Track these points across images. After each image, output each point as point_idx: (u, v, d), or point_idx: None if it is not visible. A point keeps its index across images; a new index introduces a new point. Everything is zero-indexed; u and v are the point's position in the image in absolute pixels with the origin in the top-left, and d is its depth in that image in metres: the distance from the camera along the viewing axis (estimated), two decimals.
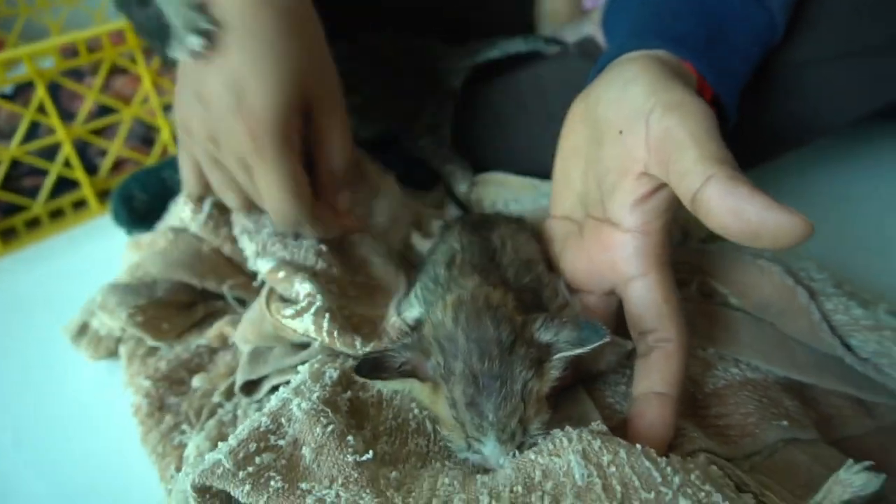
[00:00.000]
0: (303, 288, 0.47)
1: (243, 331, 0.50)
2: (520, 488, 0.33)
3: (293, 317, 0.44)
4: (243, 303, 0.58)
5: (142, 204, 0.70)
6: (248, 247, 0.55)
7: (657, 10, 0.51)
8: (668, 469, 0.34)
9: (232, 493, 0.33)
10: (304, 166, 0.53)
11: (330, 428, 0.35)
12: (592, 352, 0.44)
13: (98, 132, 0.92)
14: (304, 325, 0.44)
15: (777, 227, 0.33)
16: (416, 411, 0.41)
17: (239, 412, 0.49)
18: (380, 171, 0.66)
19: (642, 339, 0.43)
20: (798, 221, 0.33)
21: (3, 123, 0.89)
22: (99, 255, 0.82)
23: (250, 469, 0.33)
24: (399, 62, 0.75)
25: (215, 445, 0.38)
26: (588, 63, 0.68)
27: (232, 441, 0.35)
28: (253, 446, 0.34)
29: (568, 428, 0.36)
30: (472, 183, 0.73)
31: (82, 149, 0.91)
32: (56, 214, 0.90)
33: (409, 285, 0.54)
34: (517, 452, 0.37)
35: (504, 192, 0.72)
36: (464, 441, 0.38)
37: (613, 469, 0.34)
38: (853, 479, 0.34)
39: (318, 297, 0.45)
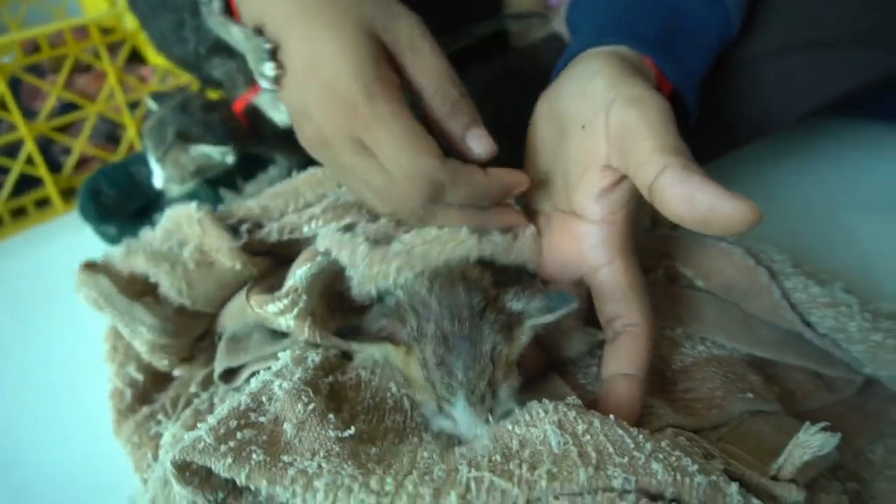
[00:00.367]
0: (292, 279, 0.46)
1: (224, 320, 0.50)
2: (498, 457, 0.34)
3: (276, 314, 0.44)
4: None
5: (110, 199, 0.69)
6: None
7: (618, 7, 0.53)
8: (640, 437, 0.35)
9: (213, 468, 0.33)
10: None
11: (311, 406, 0.36)
12: (562, 337, 0.45)
13: (61, 130, 0.90)
14: (286, 323, 0.44)
15: (727, 213, 0.35)
16: (393, 390, 0.42)
17: (216, 400, 0.49)
18: None
19: (610, 325, 0.44)
20: (747, 208, 0.35)
21: None
22: (63, 255, 0.81)
23: (231, 443, 0.33)
24: None
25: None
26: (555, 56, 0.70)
27: (212, 420, 0.35)
28: (234, 423, 0.35)
29: (544, 400, 0.37)
30: None
31: (45, 146, 0.89)
32: (18, 213, 0.88)
33: None
34: (491, 420, 0.37)
35: None
36: (435, 403, 0.38)
37: (588, 437, 0.35)
38: (812, 440, 0.36)
39: (303, 296, 0.44)
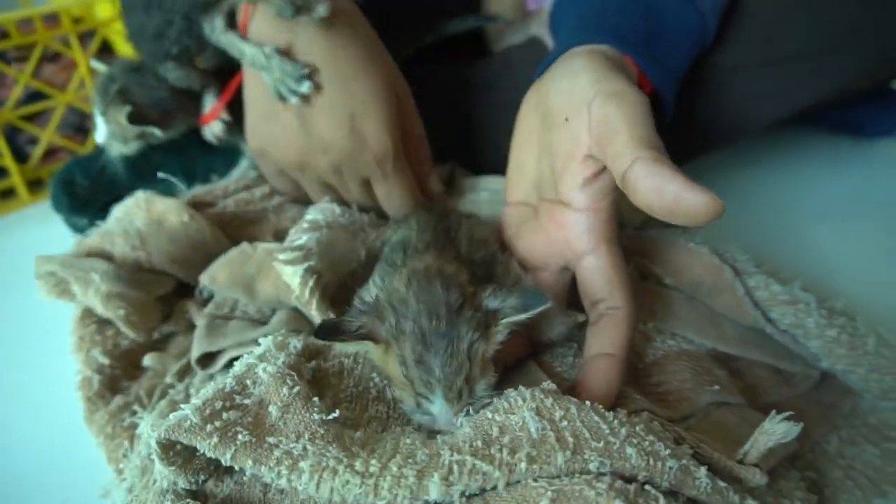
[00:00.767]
0: (303, 238, 0.48)
1: (213, 270, 0.51)
2: (479, 443, 0.35)
3: (286, 262, 0.44)
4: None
5: (83, 190, 0.68)
6: None
7: (601, 8, 0.55)
8: (615, 422, 0.36)
9: (198, 447, 0.33)
10: None
11: (296, 389, 0.36)
12: (543, 321, 0.47)
13: (26, 119, 0.88)
14: (292, 275, 0.44)
15: (692, 204, 0.37)
16: (376, 380, 0.42)
17: (192, 391, 0.48)
18: None
19: (594, 308, 0.46)
20: (711, 200, 0.37)
21: None
22: (28, 246, 0.79)
23: (217, 423, 0.33)
24: None
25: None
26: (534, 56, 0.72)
27: (197, 400, 0.35)
28: (219, 404, 0.35)
29: (521, 387, 0.38)
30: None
31: (10, 135, 0.87)
32: None
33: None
34: (471, 411, 0.38)
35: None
36: (413, 399, 0.39)
37: (565, 423, 0.36)
38: (776, 428, 0.38)
39: (315, 256, 0.46)
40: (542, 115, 0.49)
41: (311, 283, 0.45)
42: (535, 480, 0.33)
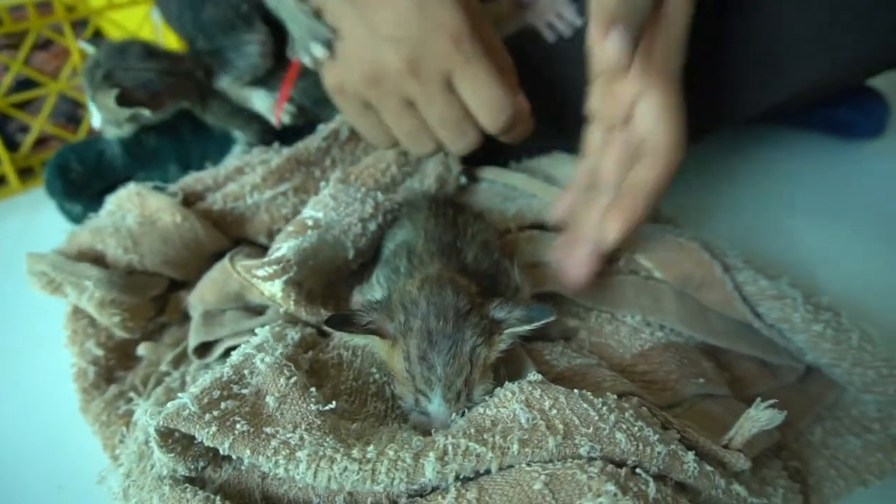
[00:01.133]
0: (283, 247, 0.48)
1: (201, 291, 0.50)
2: (472, 430, 0.36)
3: (264, 278, 0.44)
4: None
5: (78, 176, 0.67)
6: None
7: None
8: (604, 409, 0.37)
9: (196, 436, 0.33)
10: None
11: (293, 380, 0.37)
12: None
13: (17, 107, 0.87)
14: (271, 290, 0.45)
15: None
16: (376, 376, 0.43)
17: (188, 379, 0.49)
18: None
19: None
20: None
21: None
22: (18, 234, 0.79)
23: (215, 413, 0.34)
24: None
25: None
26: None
27: (194, 389, 0.35)
28: (217, 393, 0.35)
29: (508, 384, 0.39)
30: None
31: (1, 124, 0.86)
32: None
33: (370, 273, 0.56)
34: (466, 411, 0.39)
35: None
36: (412, 396, 0.40)
37: (555, 412, 0.37)
38: (761, 415, 0.39)
39: (293, 268, 0.45)
40: None
41: (293, 295, 0.45)
42: (529, 465, 0.34)
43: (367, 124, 0.61)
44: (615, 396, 0.38)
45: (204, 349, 0.50)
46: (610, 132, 0.53)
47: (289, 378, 0.37)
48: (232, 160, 0.69)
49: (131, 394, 0.49)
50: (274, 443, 0.33)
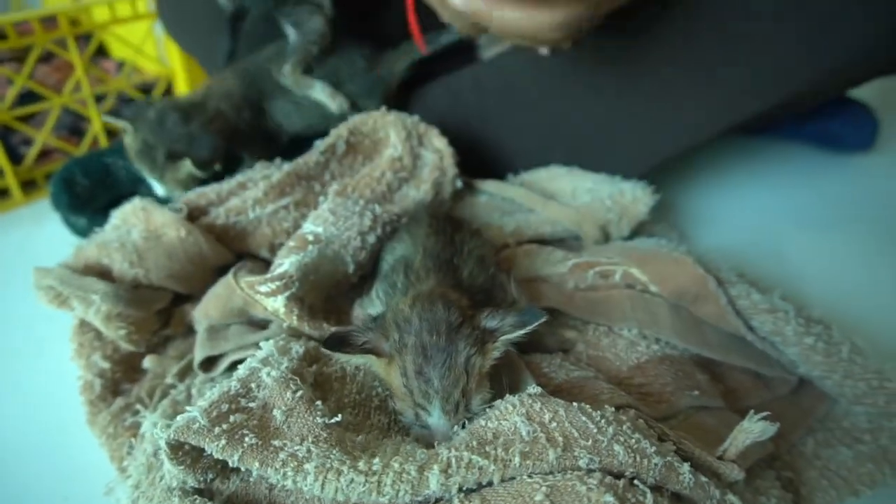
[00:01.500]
0: (285, 263, 0.49)
1: (205, 306, 0.51)
2: (475, 443, 0.37)
3: (267, 294, 0.45)
4: None
5: (83, 189, 0.68)
6: None
7: None
8: (602, 421, 0.38)
9: (206, 449, 0.34)
10: None
11: (299, 393, 0.38)
12: (538, 337, 0.49)
13: (20, 120, 0.88)
14: (275, 306, 0.46)
15: None
16: (379, 389, 0.44)
17: (193, 391, 0.49)
18: None
19: None
20: None
21: None
22: (21, 246, 0.80)
23: (224, 426, 0.35)
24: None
25: (168, 427, 0.39)
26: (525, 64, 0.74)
27: (203, 402, 0.36)
28: (225, 407, 0.36)
29: (508, 396, 0.40)
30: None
31: (4, 136, 0.87)
32: None
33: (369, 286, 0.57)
34: (466, 424, 0.40)
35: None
36: (412, 410, 0.41)
37: (555, 424, 0.38)
38: (754, 427, 0.40)
39: (295, 284, 0.46)
40: None
41: (295, 310, 0.47)
42: (530, 477, 0.35)
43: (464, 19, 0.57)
44: (613, 409, 0.40)
45: (209, 363, 0.51)
46: None
47: (295, 392, 0.38)
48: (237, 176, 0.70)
49: (138, 406, 0.50)
50: (282, 455, 0.34)
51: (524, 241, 0.63)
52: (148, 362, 0.53)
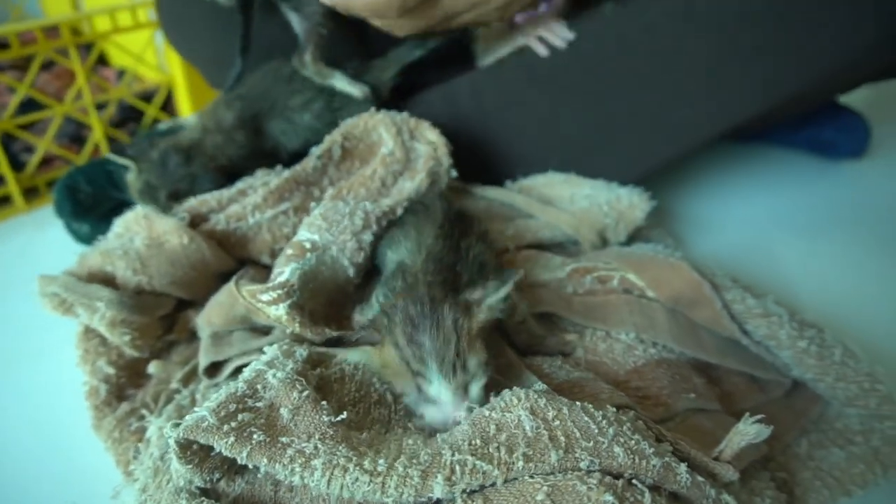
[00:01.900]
0: (286, 271, 0.50)
1: (208, 314, 0.52)
2: (478, 441, 0.38)
3: (269, 303, 0.46)
4: None
5: (87, 197, 0.69)
6: None
7: None
8: (604, 422, 0.39)
9: (215, 446, 0.35)
10: None
11: (305, 393, 0.39)
12: (538, 340, 0.50)
13: (22, 128, 0.89)
14: (277, 314, 0.47)
15: None
16: (377, 385, 0.45)
17: (198, 396, 0.50)
18: None
19: None
20: None
21: None
22: (23, 253, 0.80)
23: (233, 424, 0.36)
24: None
25: (176, 427, 0.40)
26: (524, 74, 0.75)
27: (211, 403, 0.37)
28: (233, 407, 0.37)
29: (515, 388, 0.41)
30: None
31: (5, 144, 0.88)
32: None
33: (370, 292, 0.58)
34: (470, 393, 0.41)
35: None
36: (412, 383, 0.42)
37: (558, 423, 0.39)
38: (749, 429, 0.41)
39: (296, 292, 0.47)
40: None
41: (297, 317, 0.48)
42: (531, 476, 0.36)
43: None
44: (614, 409, 0.40)
45: (214, 368, 0.51)
46: None
47: (301, 391, 0.39)
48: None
49: (143, 411, 0.51)
50: (290, 451, 0.35)
51: (523, 246, 0.64)
52: (153, 368, 0.54)
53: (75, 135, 0.95)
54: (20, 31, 0.82)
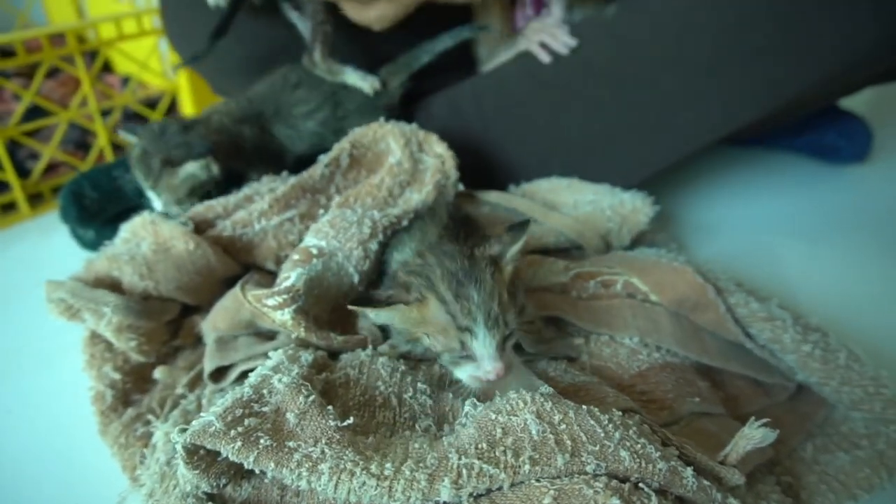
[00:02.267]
0: (291, 276, 0.50)
1: (214, 319, 0.52)
2: (484, 445, 0.38)
3: (274, 307, 0.47)
4: None
5: (92, 202, 0.69)
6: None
7: None
8: (610, 426, 0.39)
9: (222, 451, 0.35)
10: None
11: (311, 398, 0.39)
12: (547, 343, 0.50)
13: (27, 135, 0.90)
14: (282, 318, 0.47)
15: None
16: (381, 388, 0.45)
17: (203, 401, 0.50)
18: None
19: None
20: None
21: None
22: (28, 258, 0.81)
23: (240, 429, 0.36)
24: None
25: (183, 432, 0.40)
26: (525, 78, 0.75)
27: (217, 408, 0.37)
28: (239, 412, 0.37)
29: (521, 391, 0.41)
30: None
31: (11, 151, 0.88)
32: None
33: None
34: (479, 405, 0.41)
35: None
36: (456, 338, 0.43)
37: (564, 426, 0.39)
38: (755, 433, 0.41)
39: (301, 297, 0.48)
40: None
41: (303, 322, 0.48)
42: (538, 480, 0.36)
43: None
44: (620, 413, 0.41)
45: (219, 374, 0.51)
46: None
47: (307, 396, 0.39)
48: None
49: (149, 416, 0.51)
50: (297, 456, 0.35)
51: (528, 251, 0.64)
52: (158, 373, 0.54)
53: (80, 141, 0.96)
54: (26, 39, 0.83)
